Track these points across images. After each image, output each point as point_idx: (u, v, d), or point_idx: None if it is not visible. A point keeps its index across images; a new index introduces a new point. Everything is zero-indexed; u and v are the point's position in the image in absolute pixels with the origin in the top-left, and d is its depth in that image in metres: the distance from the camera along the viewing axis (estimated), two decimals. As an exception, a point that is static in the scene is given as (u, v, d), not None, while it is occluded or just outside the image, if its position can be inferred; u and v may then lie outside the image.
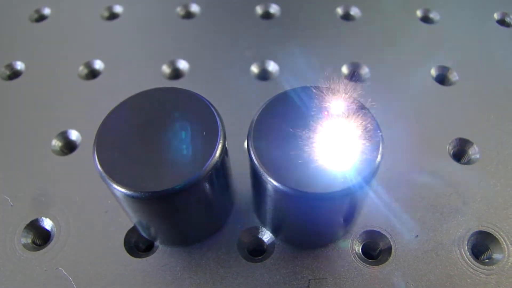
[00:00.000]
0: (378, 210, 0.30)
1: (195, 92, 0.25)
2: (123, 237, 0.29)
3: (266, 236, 0.29)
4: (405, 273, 0.27)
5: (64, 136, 0.35)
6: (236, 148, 0.32)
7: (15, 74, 0.41)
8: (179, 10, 0.45)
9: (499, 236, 0.28)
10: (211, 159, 0.22)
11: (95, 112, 0.32)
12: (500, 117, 0.35)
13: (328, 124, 0.23)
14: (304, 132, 0.23)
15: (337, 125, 0.23)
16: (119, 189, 0.22)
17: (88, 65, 0.41)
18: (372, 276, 0.27)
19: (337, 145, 0.22)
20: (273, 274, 0.27)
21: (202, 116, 0.24)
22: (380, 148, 0.22)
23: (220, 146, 0.23)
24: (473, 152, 0.33)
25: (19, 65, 0.41)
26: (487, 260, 0.28)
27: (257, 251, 0.29)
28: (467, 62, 0.39)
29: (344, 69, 0.39)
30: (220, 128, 0.23)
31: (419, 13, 0.44)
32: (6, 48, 0.43)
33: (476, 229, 0.29)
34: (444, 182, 0.31)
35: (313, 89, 0.24)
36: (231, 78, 0.38)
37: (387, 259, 0.28)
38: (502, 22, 0.43)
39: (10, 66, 0.41)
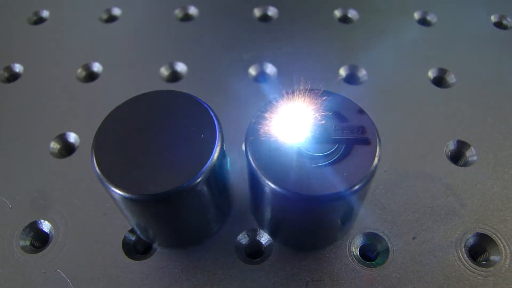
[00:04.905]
0: (375, 212, 0.30)
1: (193, 95, 0.25)
2: (122, 239, 0.29)
3: (264, 238, 0.29)
4: (402, 274, 0.27)
5: (62, 139, 0.35)
6: (234, 150, 0.32)
7: (13, 77, 0.41)
8: (178, 12, 0.45)
9: (496, 238, 0.28)
10: (209, 161, 0.22)
11: (93, 115, 0.32)
12: (497, 119, 0.35)
13: (324, 125, 0.23)
14: (300, 134, 0.23)
15: (332, 125, 0.23)
16: (117, 192, 0.22)
17: (87, 68, 0.41)
18: (369, 278, 0.27)
19: (334, 146, 0.23)
20: (271, 276, 0.27)
21: (200, 119, 0.24)
22: (378, 150, 0.22)
23: (218, 148, 0.23)
24: (471, 154, 0.33)
25: (18, 68, 0.41)
26: (484, 262, 0.28)
27: (255, 253, 0.30)
28: (464, 64, 0.39)
29: (342, 71, 0.39)
30: (218, 130, 0.24)
31: (416, 15, 0.44)
32: (4, 50, 0.43)
33: (473, 231, 0.29)
34: (441, 184, 0.31)
35: (308, 91, 0.24)
36: (229, 81, 0.38)
37: (384, 261, 0.28)
38: (499, 24, 0.43)
39: (8, 69, 0.41)
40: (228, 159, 0.28)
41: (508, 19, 0.43)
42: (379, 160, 0.22)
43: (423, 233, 0.29)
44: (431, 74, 0.38)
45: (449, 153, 0.33)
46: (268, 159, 0.22)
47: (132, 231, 0.30)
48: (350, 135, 0.23)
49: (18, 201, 0.31)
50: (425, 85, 0.38)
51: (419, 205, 0.30)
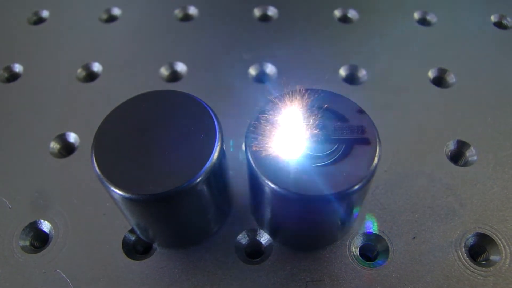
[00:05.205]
0: (375, 212, 0.30)
1: (193, 95, 0.25)
2: (121, 239, 0.29)
3: (264, 238, 0.29)
4: (402, 274, 0.27)
5: (62, 139, 0.35)
6: (234, 150, 0.32)
7: (13, 77, 0.41)
8: (177, 12, 0.45)
9: (496, 238, 0.28)
10: (209, 161, 0.22)
11: (93, 115, 0.32)
12: (497, 119, 0.35)
13: (323, 126, 0.23)
14: (299, 134, 0.23)
15: (331, 125, 0.23)
16: (117, 192, 0.22)
17: (87, 68, 0.41)
18: (369, 278, 0.27)
19: (334, 146, 0.23)
20: (271, 276, 0.27)
21: (200, 119, 0.24)
22: (377, 150, 0.22)
23: (217, 148, 0.23)
24: (470, 154, 0.33)
25: (18, 68, 0.41)
26: (484, 262, 0.28)
27: (255, 253, 0.30)
28: (464, 64, 0.39)
29: (342, 71, 0.39)
30: (218, 130, 0.24)
31: (416, 15, 0.44)
32: (4, 50, 0.43)
33: (473, 231, 0.29)
34: (441, 184, 0.31)
35: (307, 92, 0.24)
36: (229, 81, 0.38)
37: (384, 261, 0.28)
38: (499, 24, 0.43)
39: (8, 69, 0.41)
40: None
41: (508, 19, 0.43)
42: (379, 160, 0.22)
43: (423, 233, 0.29)
44: (431, 74, 0.38)
45: (449, 153, 0.33)
46: (268, 158, 0.22)
47: (132, 231, 0.30)
48: (350, 135, 0.23)
49: (18, 201, 0.31)
50: (425, 85, 0.38)
51: (419, 205, 0.30)
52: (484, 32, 0.42)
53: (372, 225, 0.29)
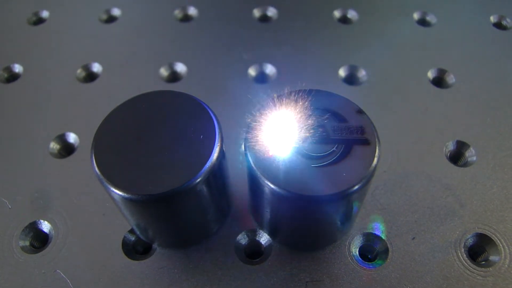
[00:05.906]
0: (375, 212, 0.30)
1: (192, 95, 0.25)
2: (121, 239, 0.29)
3: (264, 238, 0.29)
4: (402, 275, 0.27)
5: (62, 139, 0.35)
6: (234, 150, 0.32)
7: (13, 77, 0.41)
8: (177, 13, 0.45)
9: (496, 238, 0.28)
10: (208, 162, 0.22)
11: (93, 115, 0.32)
12: (497, 120, 0.35)
13: (323, 125, 0.23)
14: (298, 135, 0.23)
15: (331, 126, 0.23)
16: (117, 192, 0.22)
17: (86, 68, 0.41)
18: (369, 278, 0.27)
19: (333, 146, 0.23)
20: (271, 277, 0.27)
21: (200, 119, 0.24)
22: (377, 151, 0.22)
23: (217, 149, 0.23)
24: (470, 154, 0.33)
25: (17, 68, 0.41)
26: (483, 262, 0.28)
27: (255, 253, 0.30)
28: (464, 65, 0.39)
29: (341, 72, 0.39)
30: (217, 131, 0.24)
31: (416, 16, 0.44)
32: (4, 50, 0.43)
33: (472, 231, 0.29)
34: (441, 184, 0.31)
35: (307, 92, 0.24)
36: (228, 81, 0.38)
37: (384, 261, 0.28)
38: (498, 25, 0.43)
39: (8, 69, 0.41)
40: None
41: (508, 19, 0.43)
42: (378, 161, 0.22)
43: (422, 233, 0.29)
44: (430, 74, 0.39)
45: (448, 154, 0.33)
46: (268, 159, 0.22)
47: (131, 231, 0.30)
48: (349, 135, 0.23)
49: (18, 202, 0.31)
50: (424, 85, 0.38)
51: (419, 205, 0.30)
52: (484, 33, 0.42)
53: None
